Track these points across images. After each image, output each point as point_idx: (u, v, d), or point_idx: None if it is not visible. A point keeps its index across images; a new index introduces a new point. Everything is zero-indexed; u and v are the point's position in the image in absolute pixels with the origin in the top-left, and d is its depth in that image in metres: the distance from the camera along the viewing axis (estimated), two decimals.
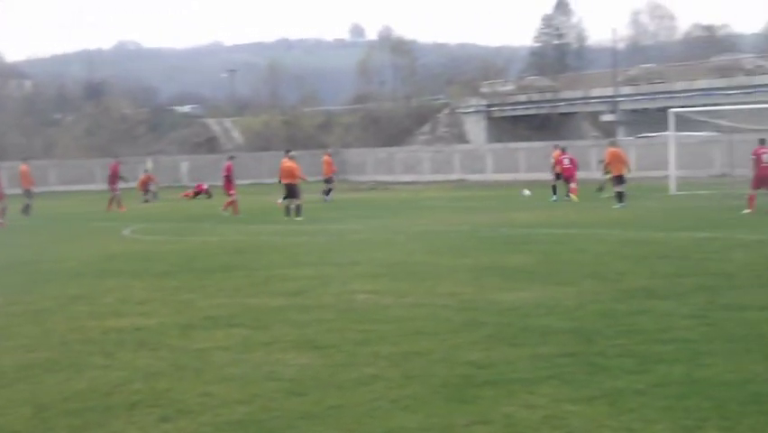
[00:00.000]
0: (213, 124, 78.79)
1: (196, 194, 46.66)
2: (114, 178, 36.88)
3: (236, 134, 76.77)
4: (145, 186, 44.90)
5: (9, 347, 9.68)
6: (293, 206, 27.05)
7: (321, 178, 37.94)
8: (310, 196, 32.61)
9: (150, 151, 66.34)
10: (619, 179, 28.63)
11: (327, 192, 36.99)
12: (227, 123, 78.62)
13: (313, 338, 9.57)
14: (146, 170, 46.59)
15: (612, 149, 29.39)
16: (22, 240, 23.86)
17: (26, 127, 68.79)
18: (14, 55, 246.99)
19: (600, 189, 35.11)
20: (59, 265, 17.32)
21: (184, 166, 63.15)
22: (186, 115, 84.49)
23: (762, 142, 24.82)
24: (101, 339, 9.97)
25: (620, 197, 28.08)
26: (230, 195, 30.53)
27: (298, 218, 26.23)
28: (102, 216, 32.05)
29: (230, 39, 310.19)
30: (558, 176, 34.49)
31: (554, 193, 33.91)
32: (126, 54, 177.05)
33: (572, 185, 33.82)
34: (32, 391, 7.89)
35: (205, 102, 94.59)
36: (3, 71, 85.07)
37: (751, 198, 23.87)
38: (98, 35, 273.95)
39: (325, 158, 38.78)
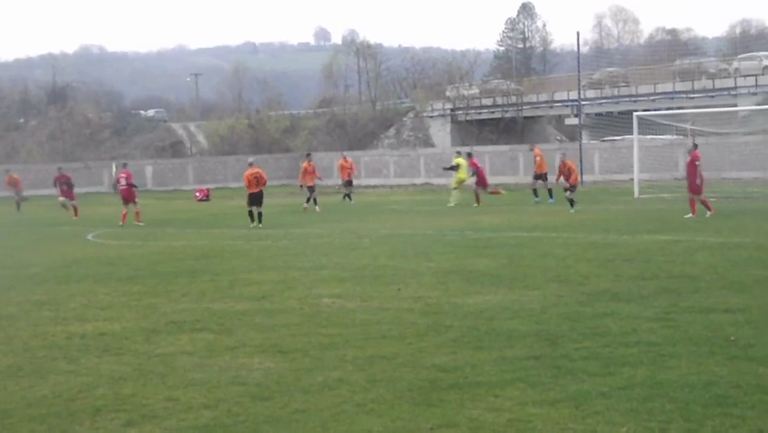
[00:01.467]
0: (178, 128, 78.37)
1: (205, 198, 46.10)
2: (68, 187, 34.54)
3: (201, 138, 76.44)
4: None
5: None
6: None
7: (340, 181, 37.60)
8: (326, 199, 32.48)
9: (115, 155, 65.83)
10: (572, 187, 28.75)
11: (349, 195, 36.29)
12: (192, 127, 78.23)
13: (278, 342, 9.55)
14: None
15: (566, 160, 29.31)
16: None
17: None
18: None
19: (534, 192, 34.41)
20: (22, 271, 17.14)
21: (149, 170, 62.72)
22: (150, 119, 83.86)
23: (696, 147, 25.37)
24: (65, 345, 9.88)
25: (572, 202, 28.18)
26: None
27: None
28: (66, 221, 31.74)
29: (195, 42, 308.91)
30: (538, 177, 34.21)
31: (536, 195, 33.67)
32: (90, 58, 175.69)
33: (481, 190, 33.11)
34: None
35: (169, 106, 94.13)
36: None
37: (698, 203, 24.11)
38: (62, 39, 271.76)
39: (342, 161, 37.69)
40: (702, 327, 9.67)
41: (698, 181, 24.19)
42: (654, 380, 7.59)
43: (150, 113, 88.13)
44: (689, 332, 9.42)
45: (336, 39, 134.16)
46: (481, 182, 33.41)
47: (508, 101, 69.40)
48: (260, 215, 25.73)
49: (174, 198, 49.32)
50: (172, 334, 10.26)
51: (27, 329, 10.85)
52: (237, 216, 29.53)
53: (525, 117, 69.04)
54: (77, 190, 35.94)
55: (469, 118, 70.36)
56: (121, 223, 28.18)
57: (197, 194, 46.89)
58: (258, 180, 26.04)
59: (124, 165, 32.49)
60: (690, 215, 23.82)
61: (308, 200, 32.27)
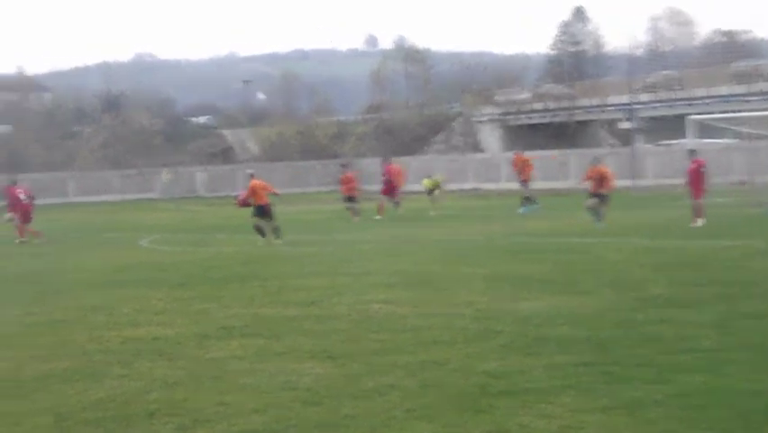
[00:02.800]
0: (228, 134, 79.00)
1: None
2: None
3: (251, 145, 76.97)
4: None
5: (28, 357, 9.72)
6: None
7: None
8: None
9: (167, 162, 66.56)
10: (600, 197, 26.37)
11: (397, 202, 33.78)
12: (242, 133, 78.79)
13: (328, 348, 9.56)
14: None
15: (597, 167, 26.95)
16: (40, 251, 23.95)
17: (46, 140, 69.16)
18: (36, 68, 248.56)
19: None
20: (77, 276, 17.39)
21: (200, 177, 63.33)
22: (202, 125, 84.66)
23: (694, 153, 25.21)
24: (119, 349, 10.00)
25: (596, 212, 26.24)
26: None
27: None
28: (119, 227, 32.14)
29: (245, 50, 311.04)
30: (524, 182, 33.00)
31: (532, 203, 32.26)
32: (144, 66, 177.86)
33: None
34: (52, 400, 7.92)
35: (220, 113, 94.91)
36: (24, 85, 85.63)
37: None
38: (117, 48, 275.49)
39: (392, 166, 34.85)
40: (759, 333, 9.50)
41: (705, 187, 23.90)
42: (711, 387, 7.46)
43: (202, 119, 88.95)
44: (745, 339, 9.25)
45: (385, 44, 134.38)
46: (388, 191, 31.80)
47: (560, 105, 68.88)
48: (276, 229, 23.18)
49: (225, 204, 49.70)
50: (223, 339, 10.32)
51: (83, 333, 11.00)
52: (284, 222, 29.63)
53: (578, 122, 68.48)
54: (130, 197, 36.36)
55: (520, 123, 69.97)
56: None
57: (239, 196, 47.03)
58: (265, 191, 23.60)
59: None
60: (700, 221, 23.29)
61: (351, 210, 31.24)
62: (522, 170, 33.24)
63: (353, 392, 7.74)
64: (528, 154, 36.38)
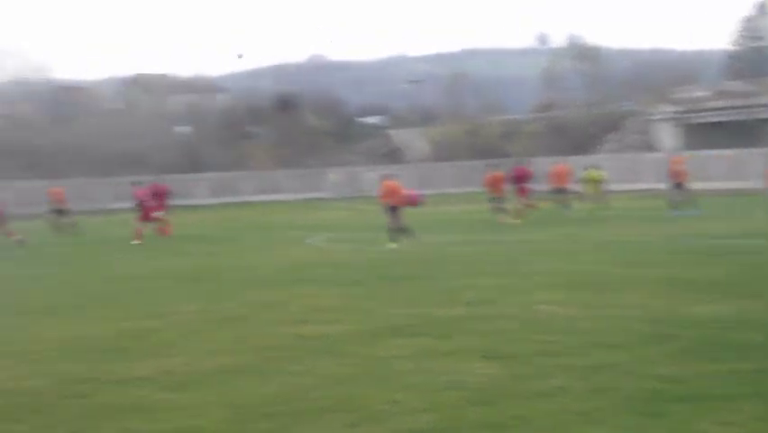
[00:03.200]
0: (396, 134, 79.86)
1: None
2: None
3: (421, 145, 77.50)
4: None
5: (206, 351, 10.08)
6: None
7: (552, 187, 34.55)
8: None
9: (337, 162, 67.91)
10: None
11: (567, 204, 33.33)
12: (410, 133, 79.47)
13: (497, 348, 9.48)
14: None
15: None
16: (209, 249, 24.86)
17: (222, 140, 71.81)
18: (214, 70, 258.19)
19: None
20: (250, 273, 17.94)
21: (370, 177, 64.27)
22: (371, 126, 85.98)
23: None
24: (291, 345, 10.23)
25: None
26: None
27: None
28: (290, 225, 32.99)
29: (414, 50, 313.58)
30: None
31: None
32: (316, 68, 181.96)
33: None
34: (229, 394, 8.17)
35: (389, 113, 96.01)
36: (203, 87, 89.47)
37: None
38: (291, 50, 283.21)
39: (560, 167, 34.62)
40: None
41: None
42: None
43: (372, 120, 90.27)
44: None
45: (557, 42, 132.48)
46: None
47: (741, 103, 66.08)
48: (405, 230, 23.09)
49: None
50: (391, 338, 10.40)
51: (256, 330, 11.32)
52: (453, 221, 29.70)
53: (760, 120, 65.55)
54: (300, 196, 37.32)
55: (697, 121, 67.59)
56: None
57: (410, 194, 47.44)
58: (395, 194, 23.43)
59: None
60: None
61: (498, 210, 30.39)
62: (678, 173, 31.84)
63: (522, 393, 7.64)
64: (706, 153, 34.95)
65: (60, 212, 34.55)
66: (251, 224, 36.64)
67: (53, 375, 9.17)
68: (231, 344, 10.46)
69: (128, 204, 33.13)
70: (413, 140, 78.69)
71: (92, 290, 16.56)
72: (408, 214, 24.17)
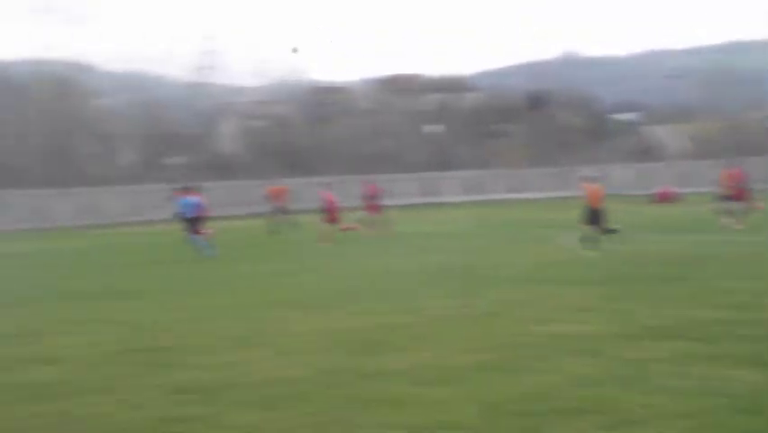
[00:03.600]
0: (651, 131, 77.40)
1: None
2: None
3: (679, 142, 74.71)
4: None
5: (459, 348, 10.19)
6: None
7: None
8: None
9: (588, 159, 66.63)
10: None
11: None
12: (667, 130, 76.80)
13: (763, 355, 8.98)
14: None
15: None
16: (459, 246, 25.07)
17: (472, 138, 72.36)
18: (467, 69, 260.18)
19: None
20: (498, 271, 17.95)
21: (620, 174, 62.59)
22: (625, 122, 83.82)
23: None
24: (541, 343, 10.16)
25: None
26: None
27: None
28: (541, 223, 32.74)
29: (670, 43, 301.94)
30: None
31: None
32: (569, 64, 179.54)
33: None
34: (478, 390, 8.23)
35: (644, 109, 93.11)
36: (455, 85, 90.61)
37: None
38: (544, 47, 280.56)
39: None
40: None
41: None
42: None
43: (625, 116, 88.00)
44: None
45: None
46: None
47: None
48: (610, 230, 22.32)
49: (642, 204, 48.79)
50: (645, 339, 10.10)
51: (507, 327, 11.33)
52: (709, 221, 28.33)
53: None
54: (549, 195, 36.94)
55: None
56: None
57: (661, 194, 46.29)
58: (596, 196, 22.64)
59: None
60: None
61: (725, 211, 27.89)
62: None
63: None
64: None
65: (281, 210, 35.67)
66: (502, 221, 36.67)
67: (311, 366, 9.52)
68: (482, 340, 10.52)
69: (385, 200, 33.96)
70: (667, 137, 75.99)
71: (346, 286, 17.06)
72: (666, 214, 23.32)
